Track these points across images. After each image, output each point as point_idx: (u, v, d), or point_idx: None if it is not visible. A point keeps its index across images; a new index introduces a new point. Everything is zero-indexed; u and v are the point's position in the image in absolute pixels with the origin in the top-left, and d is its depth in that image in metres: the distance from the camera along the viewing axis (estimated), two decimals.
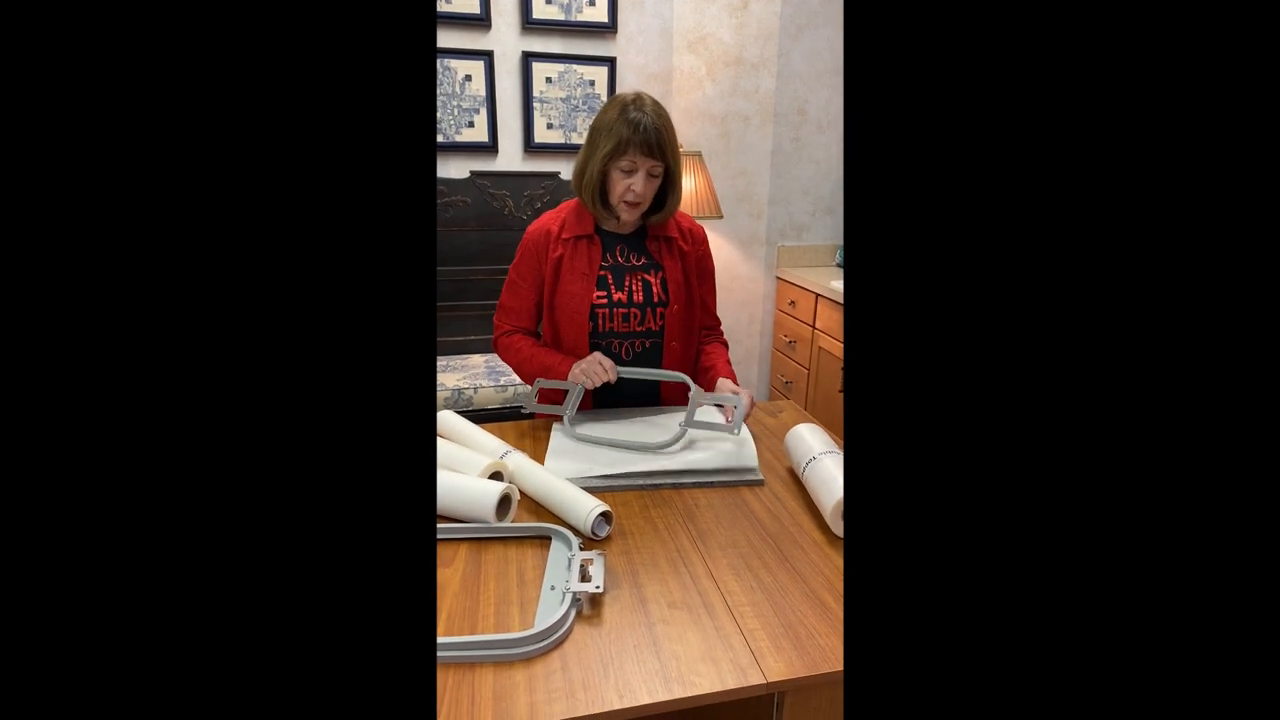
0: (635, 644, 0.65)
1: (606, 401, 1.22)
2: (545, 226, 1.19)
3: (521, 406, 1.97)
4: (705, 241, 1.28)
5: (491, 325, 2.42)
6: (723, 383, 1.16)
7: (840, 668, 0.62)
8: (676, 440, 1.03)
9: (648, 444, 1.04)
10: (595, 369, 1.09)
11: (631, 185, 1.10)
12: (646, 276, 1.19)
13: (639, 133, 1.07)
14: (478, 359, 2.18)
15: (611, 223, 1.20)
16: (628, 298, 1.18)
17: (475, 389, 1.94)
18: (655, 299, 1.19)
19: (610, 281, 1.17)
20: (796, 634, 0.66)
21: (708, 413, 1.15)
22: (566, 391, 1.12)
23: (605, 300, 1.17)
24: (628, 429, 1.11)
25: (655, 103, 1.11)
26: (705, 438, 1.07)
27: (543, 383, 1.14)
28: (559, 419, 1.13)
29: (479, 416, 1.91)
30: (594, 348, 1.18)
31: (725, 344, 1.33)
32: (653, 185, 1.13)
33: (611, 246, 1.19)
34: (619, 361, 1.20)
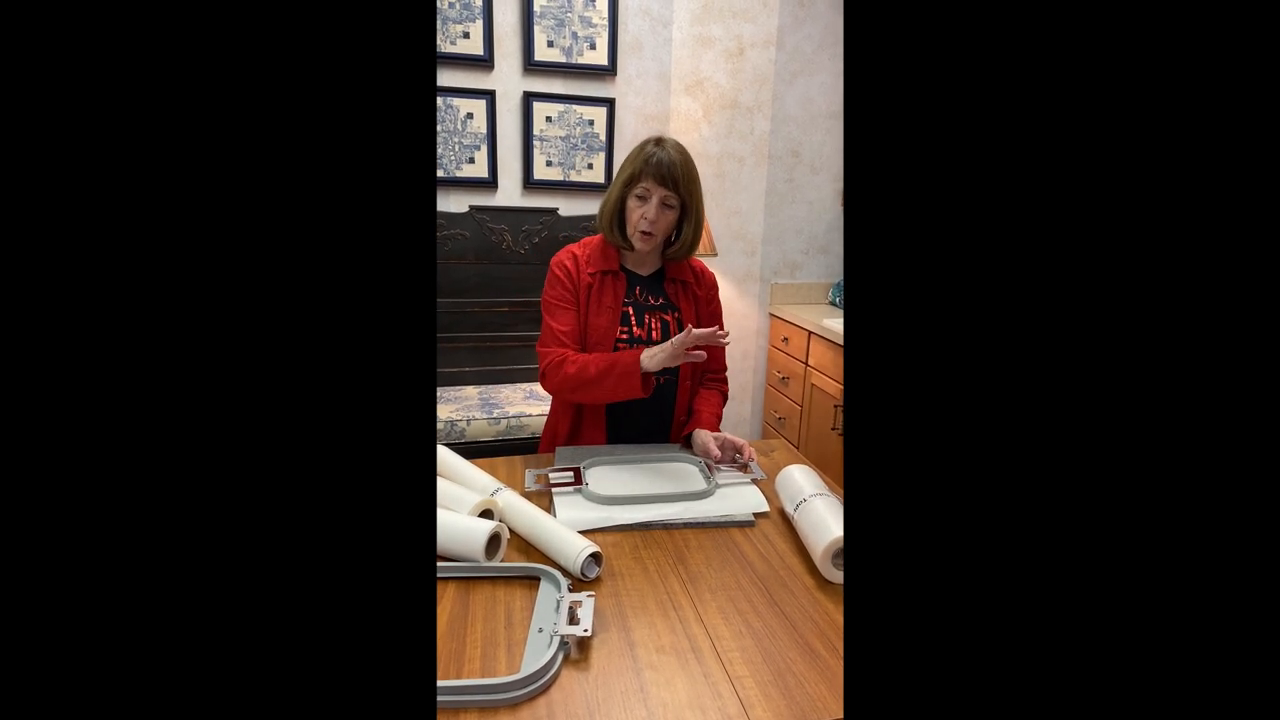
0: (622, 690, 0.64)
1: (622, 436, 1.22)
2: (571, 252, 1.22)
3: (513, 439, 1.97)
4: (715, 287, 1.32)
5: (485, 359, 2.40)
6: (700, 434, 1.15)
7: (829, 718, 0.62)
8: (713, 489, 1.03)
9: (687, 492, 1.02)
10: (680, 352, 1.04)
11: (644, 213, 1.14)
12: (664, 316, 1.22)
13: (652, 163, 1.12)
14: (471, 391, 2.18)
15: (632, 259, 1.24)
16: (647, 335, 1.20)
17: (469, 421, 1.94)
18: (672, 338, 1.21)
19: (632, 318, 1.20)
20: (785, 682, 0.66)
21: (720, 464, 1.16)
22: (571, 469, 1.06)
23: (627, 336, 1.19)
24: (645, 480, 1.07)
25: (678, 144, 1.16)
26: (721, 482, 1.08)
27: (538, 471, 1.08)
28: (565, 484, 1.03)
29: (472, 449, 1.90)
30: None
31: (725, 394, 1.32)
32: (666, 217, 1.16)
33: (633, 285, 1.22)
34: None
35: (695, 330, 1.02)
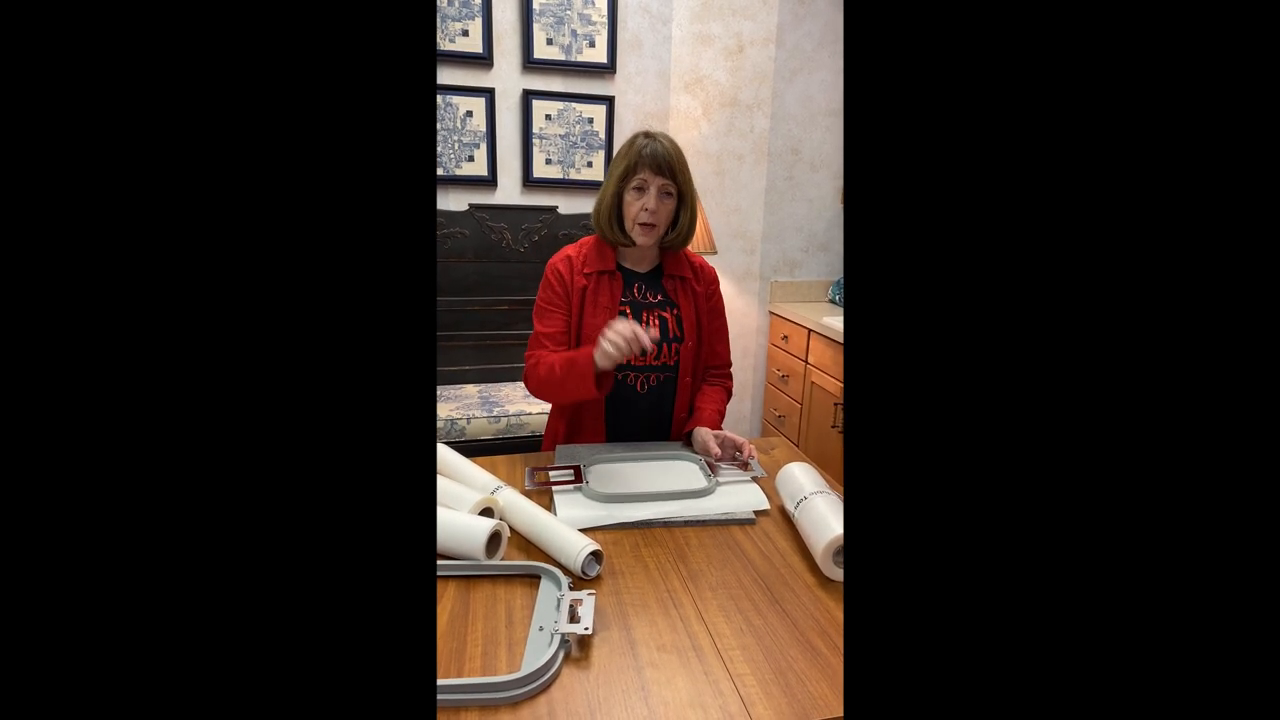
0: (623, 688, 0.64)
1: (621, 434, 1.22)
2: (566, 254, 1.22)
3: (514, 437, 1.97)
4: (716, 281, 1.31)
5: (485, 357, 2.40)
6: (700, 432, 1.15)
7: (830, 715, 0.62)
8: (714, 487, 1.04)
9: (688, 489, 1.02)
10: (620, 342, 0.99)
11: (644, 204, 1.14)
12: (663, 313, 1.22)
13: (646, 154, 1.13)
14: (471, 389, 2.18)
15: (630, 257, 1.23)
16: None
17: (469, 419, 1.94)
18: (671, 335, 1.21)
19: (629, 316, 1.20)
20: (786, 680, 0.66)
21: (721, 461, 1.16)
22: (572, 467, 1.06)
23: None
24: (645, 478, 1.07)
25: (666, 135, 1.18)
26: (722, 480, 1.08)
27: (538, 469, 1.08)
28: (565, 483, 1.03)
29: (471, 448, 1.90)
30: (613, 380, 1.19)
31: (728, 390, 1.32)
32: (666, 205, 1.16)
33: (630, 283, 1.22)
34: (634, 395, 1.21)
35: (619, 325, 1.00)
